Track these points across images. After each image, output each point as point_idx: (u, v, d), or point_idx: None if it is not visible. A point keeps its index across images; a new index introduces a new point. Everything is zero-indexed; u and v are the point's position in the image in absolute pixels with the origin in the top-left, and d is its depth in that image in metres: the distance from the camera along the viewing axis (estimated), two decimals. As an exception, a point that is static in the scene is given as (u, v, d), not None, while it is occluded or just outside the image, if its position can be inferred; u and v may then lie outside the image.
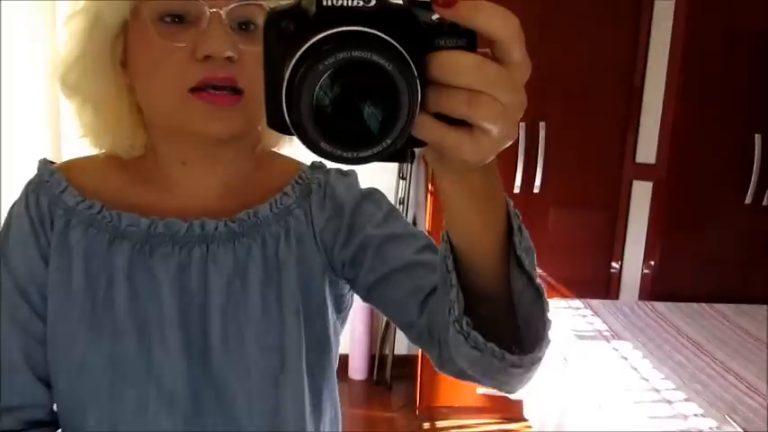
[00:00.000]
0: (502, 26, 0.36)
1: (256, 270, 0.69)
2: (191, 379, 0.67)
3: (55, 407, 0.71)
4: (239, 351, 0.67)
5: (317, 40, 0.35)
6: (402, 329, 0.68)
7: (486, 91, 0.36)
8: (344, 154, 0.36)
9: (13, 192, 0.74)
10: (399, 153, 0.39)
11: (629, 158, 2.76)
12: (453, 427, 2.80)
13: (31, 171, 0.73)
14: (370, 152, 0.36)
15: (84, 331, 0.66)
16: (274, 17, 0.37)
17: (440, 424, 2.82)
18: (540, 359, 0.51)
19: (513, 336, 0.52)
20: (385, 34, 0.35)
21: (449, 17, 0.36)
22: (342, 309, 0.78)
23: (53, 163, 0.74)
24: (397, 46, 0.35)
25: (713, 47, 2.51)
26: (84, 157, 0.74)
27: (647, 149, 2.70)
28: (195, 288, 0.68)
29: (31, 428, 0.70)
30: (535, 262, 0.52)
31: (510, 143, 0.40)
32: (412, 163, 0.56)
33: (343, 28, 0.35)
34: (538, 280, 0.50)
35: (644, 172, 2.71)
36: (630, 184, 2.78)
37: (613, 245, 2.87)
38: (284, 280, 0.70)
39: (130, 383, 0.66)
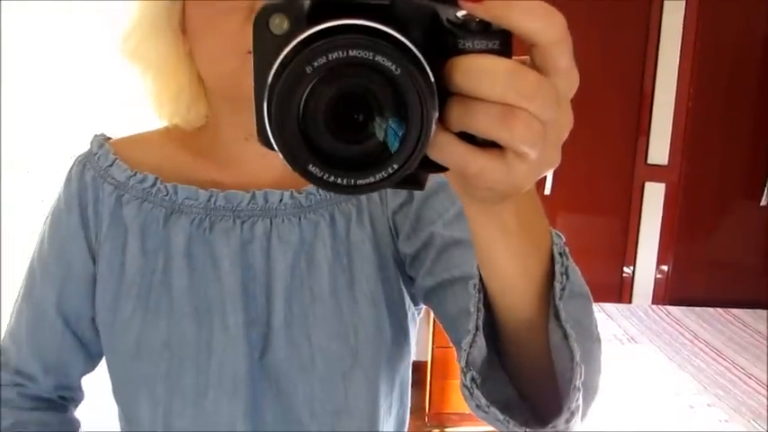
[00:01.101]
0: (544, 26, 0.29)
1: (324, 249, 0.63)
2: (250, 366, 0.61)
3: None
4: (303, 337, 0.62)
5: (307, 37, 0.28)
6: (454, 346, 0.59)
7: (523, 106, 0.29)
8: (338, 181, 0.29)
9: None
10: (411, 178, 0.31)
11: (640, 160, 2.71)
12: (464, 435, 2.74)
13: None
14: (370, 179, 0.29)
15: (141, 312, 0.62)
16: (264, 13, 0.30)
17: (450, 431, 2.76)
18: None
19: (550, 389, 0.44)
20: (396, 31, 0.28)
21: (478, 14, 0.29)
22: (418, 301, 0.70)
23: (109, 139, 0.70)
24: (410, 45, 0.28)
25: (725, 48, 2.47)
26: (140, 133, 0.71)
27: (659, 150, 2.65)
28: (258, 266, 0.62)
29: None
30: (589, 312, 0.45)
31: (551, 170, 0.33)
32: (422, 189, 0.38)
33: (340, 21, 0.28)
34: (573, 339, 0.40)
35: (656, 173, 2.67)
36: (642, 186, 2.73)
37: (626, 248, 2.82)
38: (357, 263, 0.63)
39: (189, 368, 0.61)
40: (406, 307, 0.67)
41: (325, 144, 0.29)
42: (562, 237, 0.43)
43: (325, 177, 0.29)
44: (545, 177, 2.68)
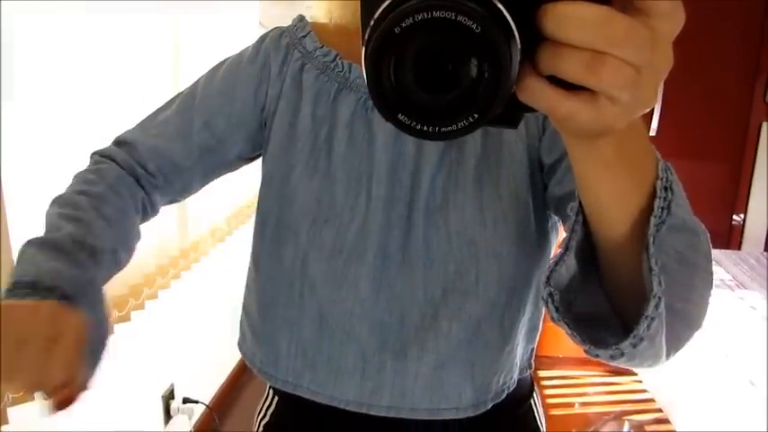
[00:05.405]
0: None
1: (474, 144, 0.65)
2: (385, 239, 0.66)
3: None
4: (441, 220, 0.65)
5: None
6: None
7: (611, 52, 0.29)
8: (424, 128, 0.31)
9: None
10: (506, 118, 0.34)
11: (758, 97, 2.52)
12: (556, 378, 2.75)
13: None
14: (453, 127, 0.31)
15: (301, 166, 0.69)
16: None
17: (542, 374, 2.77)
18: (620, 355, 0.42)
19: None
20: None
21: None
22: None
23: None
24: (494, 2, 0.30)
25: None
26: (329, 22, 0.77)
27: (781, 87, 2.45)
28: (408, 149, 0.66)
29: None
30: (696, 246, 0.44)
31: (647, 110, 0.32)
32: (516, 128, 0.39)
33: None
34: (655, 275, 0.40)
35: (776, 113, 2.48)
36: (759, 127, 2.54)
37: (737, 195, 2.66)
38: (506, 161, 0.65)
39: (330, 226, 0.67)
40: (548, 212, 0.68)
41: (414, 96, 0.31)
42: (672, 170, 0.43)
43: (412, 125, 0.31)
44: (651, 118, 2.56)
